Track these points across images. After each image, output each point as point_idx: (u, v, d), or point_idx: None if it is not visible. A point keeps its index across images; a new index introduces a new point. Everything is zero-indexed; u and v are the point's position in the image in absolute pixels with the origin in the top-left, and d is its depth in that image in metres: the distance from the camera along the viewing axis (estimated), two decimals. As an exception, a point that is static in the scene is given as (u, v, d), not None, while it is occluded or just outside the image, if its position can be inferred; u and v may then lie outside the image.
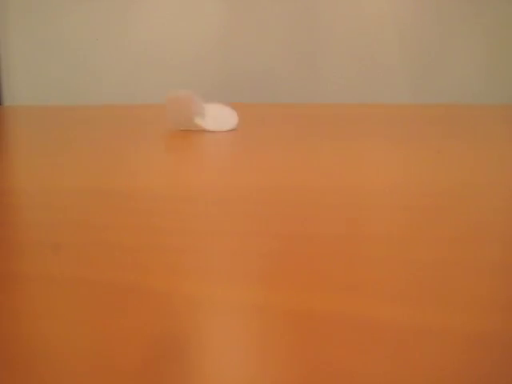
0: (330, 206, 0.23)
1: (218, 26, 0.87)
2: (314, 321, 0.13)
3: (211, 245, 0.18)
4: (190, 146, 0.41)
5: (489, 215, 0.22)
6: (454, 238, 0.19)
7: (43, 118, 0.65)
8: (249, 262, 0.17)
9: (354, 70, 0.86)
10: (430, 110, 0.70)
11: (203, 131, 0.49)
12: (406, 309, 0.13)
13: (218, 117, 0.50)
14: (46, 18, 0.90)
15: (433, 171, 0.30)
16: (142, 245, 0.18)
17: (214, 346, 0.12)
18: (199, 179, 0.29)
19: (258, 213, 0.22)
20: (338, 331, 0.12)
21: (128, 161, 0.35)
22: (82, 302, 0.14)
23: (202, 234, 0.20)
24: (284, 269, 0.16)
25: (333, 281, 0.15)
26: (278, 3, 0.86)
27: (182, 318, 0.13)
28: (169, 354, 0.11)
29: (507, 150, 0.38)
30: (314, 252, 0.18)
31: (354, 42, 0.85)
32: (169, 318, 0.13)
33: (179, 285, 0.15)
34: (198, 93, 0.74)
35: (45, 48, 0.91)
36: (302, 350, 0.11)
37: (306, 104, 0.81)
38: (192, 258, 0.17)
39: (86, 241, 0.19)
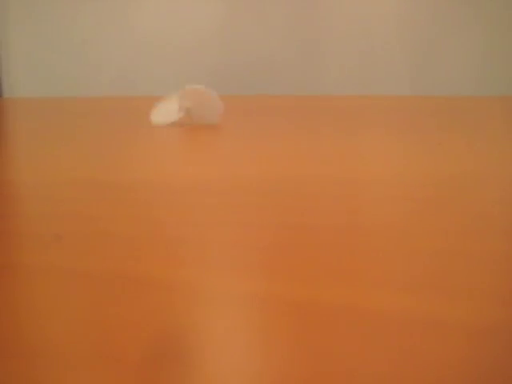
0: (331, 196, 0.23)
1: (217, 17, 0.87)
2: (317, 311, 0.13)
3: (211, 236, 0.18)
4: (187, 140, 0.41)
5: (490, 206, 0.22)
6: (456, 229, 0.19)
7: (43, 109, 0.65)
8: (249, 252, 0.17)
9: (353, 62, 0.85)
10: (430, 101, 0.70)
11: (191, 126, 0.48)
12: (410, 299, 0.13)
13: (204, 108, 0.48)
14: (45, 9, 0.90)
15: (433, 162, 0.30)
16: (141, 236, 0.18)
17: (215, 337, 0.12)
18: (198, 171, 0.29)
19: (257, 204, 0.22)
20: (341, 322, 0.12)
21: (127, 153, 0.35)
22: (82, 292, 0.14)
23: (202, 225, 0.20)
24: (285, 259, 0.16)
25: (334, 271, 0.15)
26: (278, -6, 0.85)
27: (182, 308, 0.13)
28: (170, 343, 0.11)
29: (506, 141, 0.38)
30: (316, 243, 0.18)
31: (354, 33, 0.85)
32: (170, 309, 0.13)
33: (180, 275, 0.15)
34: (192, 83, 0.74)
35: (44, 40, 0.91)
36: (304, 340, 0.11)
37: (306, 96, 0.81)
38: (192, 248, 0.17)
39: (86, 232, 0.19)
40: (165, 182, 0.26)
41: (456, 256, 0.16)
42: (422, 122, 0.49)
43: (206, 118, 0.48)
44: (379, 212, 0.21)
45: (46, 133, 0.45)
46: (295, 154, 0.34)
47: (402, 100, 0.72)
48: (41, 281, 0.15)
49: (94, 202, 0.23)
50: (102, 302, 0.13)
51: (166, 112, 0.48)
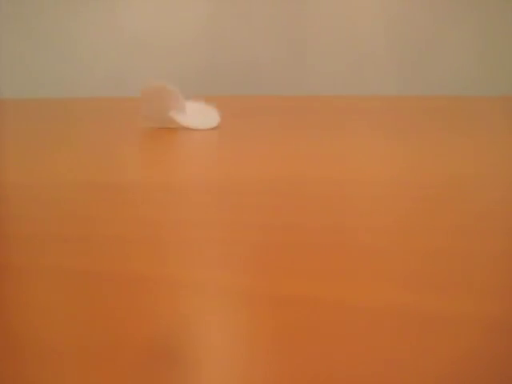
0: (323, 196, 0.24)
1: (205, 17, 0.87)
2: (316, 307, 0.13)
3: (207, 235, 0.19)
4: (173, 141, 0.41)
5: (489, 206, 0.22)
6: (455, 228, 0.19)
7: (32, 111, 0.65)
8: (238, 250, 0.17)
9: (343, 62, 0.86)
10: (422, 101, 0.70)
11: (181, 128, 0.46)
12: (407, 296, 0.14)
13: (199, 114, 0.47)
14: (34, 9, 0.90)
15: (430, 162, 0.30)
16: (138, 236, 0.19)
17: (210, 333, 0.12)
18: (189, 172, 0.29)
19: (248, 204, 0.23)
20: (341, 318, 0.13)
21: (118, 154, 0.35)
22: (80, 292, 0.14)
23: (198, 224, 0.20)
24: (282, 257, 0.16)
25: (332, 269, 0.16)
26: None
27: (176, 303, 0.13)
28: (167, 340, 0.12)
29: (504, 141, 0.38)
30: (313, 242, 0.18)
31: (344, 33, 0.85)
32: (164, 305, 0.13)
33: (180, 274, 0.15)
34: (180, 84, 0.73)
35: (33, 40, 0.90)
36: (301, 336, 0.12)
37: (294, 96, 0.81)
38: (189, 247, 0.18)
39: (81, 233, 0.19)
40: (154, 184, 0.27)
41: (455, 255, 0.17)
42: (414, 122, 0.49)
43: (201, 122, 0.46)
44: (378, 212, 0.21)
45: (36, 134, 0.45)
46: (285, 155, 0.34)
47: (395, 100, 0.73)
48: (39, 280, 0.15)
49: (89, 203, 0.23)
50: (99, 301, 0.14)
51: (156, 113, 0.46)
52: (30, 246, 0.18)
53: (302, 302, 0.13)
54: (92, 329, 0.12)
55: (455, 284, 0.14)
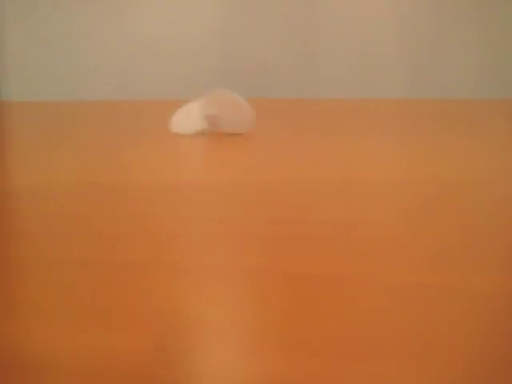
0: (336, 196, 0.23)
1: (215, 20, 0.87)
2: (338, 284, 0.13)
3: (234, 230, 0.18)
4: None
5: (494, 205, 0.22)
6: (458, 225, 0.19)
7: (40, 113, 0.65)
8: (257, 241, 0.17)
9: (352, 66, 0.85)
10: (431, 104, 0.70)
11: (213, 134, 0.45)
12: (403, 270, 0.13)
13: (231, 116, 0.44)
14: (42, 13, 0.90)
15: (438, 164, 0.30)
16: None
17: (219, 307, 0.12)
18: (193, 175, 0.29)
19: (259, 202, 0.22)
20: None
21: (127, 156, 0.34)
22: (86, 282, 0.14)
23: (203, 220, 0.19)
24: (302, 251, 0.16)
25: (356, 253, 0.15)
26: (276, -2, 0.85)
27: (186, 285, 0.13)
28: (176, 316, 0.11)
29: (507, 143, 0.38)
30: (335, 235, 0.17)
31: (353, 37, 0.85)
32: (177, 287, 0.13)
33: (192, 258, 0.15)
34: (189, 87, 0.73)
35: (41, 43, 0.90)
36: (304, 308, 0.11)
37: (305, 99, 0.80)
38: (221, 239, 0.17)
39: (84, 229, 0.19)
40: (162, 186, 0.26)
41: (459, 254, 0.16)
42: (431, 125, 0.48)
43: (234, 126, 0.45)
44: (391, 208, 0.21)
45: (43, 136, 0.44)
46: (298, 157, 0.33)
47: (404, 103, 0.72)
48: (47, 272, 0.15)
49: (92, 203, 0.23)
50: (110, 288, 0.13)
51: (188, 120, 0.45)
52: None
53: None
54: (97, 308, 0.12)
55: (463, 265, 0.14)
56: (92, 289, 0.14)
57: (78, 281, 0.14)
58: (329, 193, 0.24)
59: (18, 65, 0.90)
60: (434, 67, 0.83)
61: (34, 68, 0.90)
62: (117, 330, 0.12)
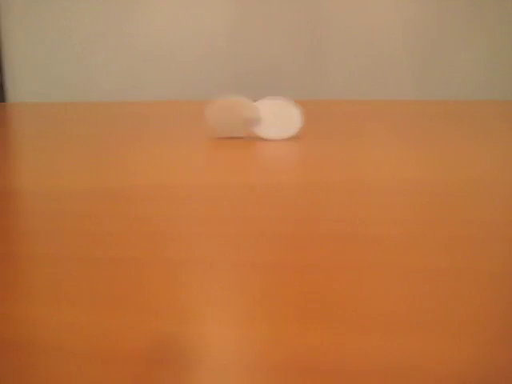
0: (351, 195, 0.23)
1: (223, 22, 0.86)
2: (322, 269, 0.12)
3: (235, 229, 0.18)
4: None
5: (498, 210, 0.21)
6: (471, 219, 0.18)
7: (47, 114, 0.65)
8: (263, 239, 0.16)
9: (360, 67, 0.85)
10: (439, 106, 0.69)
11: (256, 139, 0.42)
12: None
13: (277, 120, 0.41)
14: (48, 15, 0.90)
15: (444, 167, 0.30)
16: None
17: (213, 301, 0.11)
18: (200, 178, 0.28)
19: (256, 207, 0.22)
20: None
21: (135, 159, 0.34)
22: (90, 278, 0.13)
23: (216, 220, 0.19)
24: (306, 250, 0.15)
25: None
26: (284, 0, 0.85)
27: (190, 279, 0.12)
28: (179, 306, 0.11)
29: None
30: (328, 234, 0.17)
31: (360, 38, 0.84)
32: (180, 281, 0.12)
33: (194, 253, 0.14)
34: (198, 90, 0.73)
35: (48, 45, 0.90)
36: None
37: (312, 101, 0.80)
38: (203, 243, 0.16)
39: (88, 229, 0.18)
40: (171, 188, 0.26)
41: (468, 256, 0.15)
42: (440, 127, 0.48)
43: (277, 131, 0.41)
44: (399, 208, 0.20)
45: (51, 138, 0.44)
46: (308, 159, 0.33)
47: (411, 105, 0.72)
48: (46, 268, 0.14)
49: (98, 209, 0.22)
50: (114, 284, 0.13)
51: (226, 123, 0.42)
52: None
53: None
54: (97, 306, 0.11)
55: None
56: (94, 282, 0.14)
57: (79, 275, 0.15)
58: (341, 193, 0.24)
59: (24, 66, 0.90)
60: (441, 69, 0.82)
61: (41, 69, 0.90)
62: (117, 318, 0.12)
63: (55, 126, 0.52)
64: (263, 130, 0.41)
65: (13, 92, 0.92)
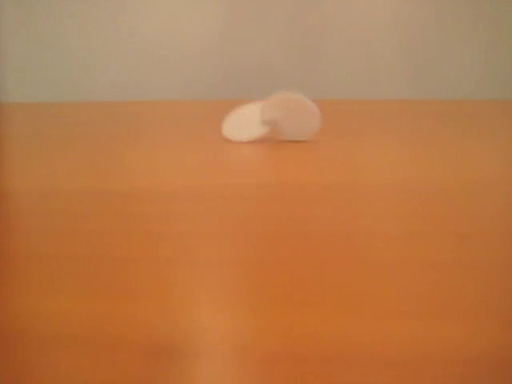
0: (338, 200, 0.23)
1: (217, 21, 0.86)
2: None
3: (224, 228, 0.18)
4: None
5: (499, 209, 0.21)
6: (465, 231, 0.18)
7: (40, 115, 0.64)
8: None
9: (355, 66, 0.85)
10: (435, 105, 0.69)
11: (272, 140, 0.39)
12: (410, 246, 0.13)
13: (293, 121, 0.38)
14: (41, 14, 0.89)
15: (444, 167, 0.30)
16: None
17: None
18: (200, 178, 0.28)
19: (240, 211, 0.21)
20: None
21: (132, 159, 0.34)
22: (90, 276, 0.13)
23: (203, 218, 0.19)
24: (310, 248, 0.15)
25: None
26: (278, -2, 0.85)
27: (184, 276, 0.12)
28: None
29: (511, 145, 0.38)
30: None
31: (355, 37, 0.84)
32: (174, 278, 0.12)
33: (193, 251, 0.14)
34: (191, 88, 0.73)
35: (41, 44, 0.90)
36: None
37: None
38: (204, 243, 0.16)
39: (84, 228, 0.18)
40: (167, 189, 0.26)
41: (469, 261, 0.15)
42: (436, 126, 0.48)
43: (297, 132, 0.39)
44: (400, 211, 0.20)
45: (44, 139, 0.44)
46: (295, 160, 0.33)
47: (408, 104, 0.72)
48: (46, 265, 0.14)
49: (97, 211, 0.22)
50: (113, 281, 0.13)
51: (244, 125, 0.39)
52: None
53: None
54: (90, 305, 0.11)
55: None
56: (91, 277, 0.14)
57: (77, 272, 0.15)
58: (340, 193, 0.24)
59: (16, 66, 0.90)
60: (439, 68, 0.83)
61: (33, 69, 0.89)
62: (112, 309, 0.12)
63: (49, 127, 0.52)
64: (281, 132, 0.39)
65: (5, 92, 0.91)
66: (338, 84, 0.85)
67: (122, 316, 0.13)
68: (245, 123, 0.39)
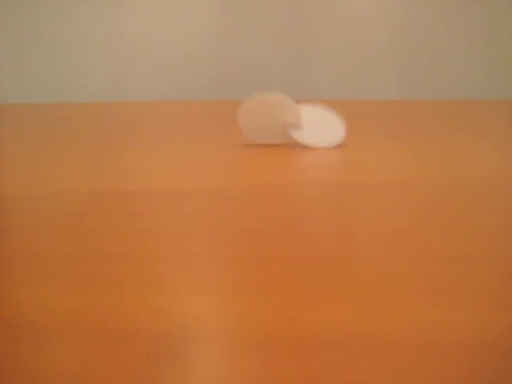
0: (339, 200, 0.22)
1: (209, 22, 0.86)
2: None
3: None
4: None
5: (501, 209, 0.22)
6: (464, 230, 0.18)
7: (32, 116, 0.64)
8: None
9: (347, 66, 0.84)
10: (427, 105, 0.69)
11: (295, 145, 0.38)
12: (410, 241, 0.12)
13: (319, 127, 0.37)
14: (32, 13, 0.88)
15: (444, 167, 0.30)
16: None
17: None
18: (189, 180, 0.28)
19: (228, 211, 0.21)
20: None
21: (127, 160, 0.33)
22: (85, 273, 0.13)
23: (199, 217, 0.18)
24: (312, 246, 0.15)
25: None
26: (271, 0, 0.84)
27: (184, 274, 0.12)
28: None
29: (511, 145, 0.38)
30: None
31: (347, 37, 0.84)
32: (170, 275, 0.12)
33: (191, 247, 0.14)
34: (184, 90, 0.72)
35: (32, 45, 0.89)
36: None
37: (299, 101, 0.80)
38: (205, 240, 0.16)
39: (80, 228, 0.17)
40: (160, 190, 0.25)
41: (472, 258, 0.15)
42: (431, 126, 0.48)
43: (320, 139, 0.38)
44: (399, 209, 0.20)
45: (36, 140, 0.43)
46: (283, 162, 0.32)
47: (404, 104, 0.72)
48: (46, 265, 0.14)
49: (90, 209, 0.21)
50: (110, 279, 0.14)
51: (265, 128, 0.38)
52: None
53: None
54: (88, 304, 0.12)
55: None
56: (91, 274, 0.15)
57: (70, 271, 0.15)
58: (340, 193, 0.24)
59: (8, 67, 0.89)
60: (434, 67, 0.83)
61: (25, 70, 0.88)
62: (112, 300, 0.13)
63: (41, 128, 0.51)
64: (303, 138, 0.37)
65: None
66: (331, 84, 0.85)
67: (119, 309, 0.13)
68: (265, 123, 0.37)
